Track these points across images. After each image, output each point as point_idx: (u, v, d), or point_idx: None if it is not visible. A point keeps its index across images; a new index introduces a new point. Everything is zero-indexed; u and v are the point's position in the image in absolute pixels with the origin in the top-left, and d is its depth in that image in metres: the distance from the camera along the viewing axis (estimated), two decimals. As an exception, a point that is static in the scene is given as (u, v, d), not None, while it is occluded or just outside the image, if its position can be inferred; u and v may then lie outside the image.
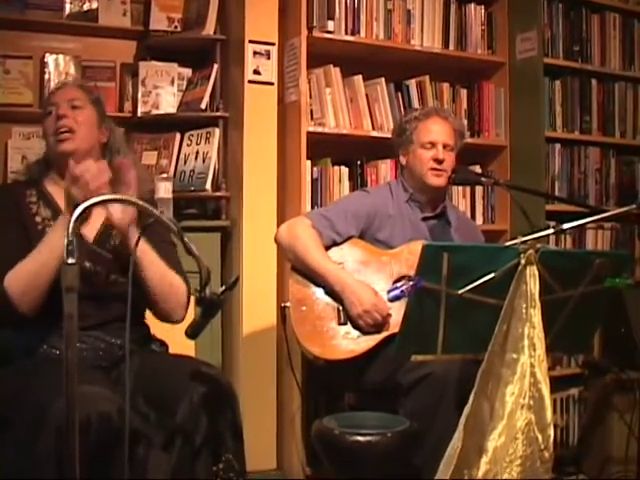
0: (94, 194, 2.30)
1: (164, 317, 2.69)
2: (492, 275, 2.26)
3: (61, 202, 2.60)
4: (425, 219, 3.44)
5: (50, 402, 2.13)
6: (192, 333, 2.25)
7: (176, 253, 2.75)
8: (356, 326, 3.14)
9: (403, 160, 3.51)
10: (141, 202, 2.11)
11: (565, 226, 2.71)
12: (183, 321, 2.64)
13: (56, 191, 2.64)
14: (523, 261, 2.25)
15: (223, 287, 2.22)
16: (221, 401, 2.44)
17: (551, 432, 2.28)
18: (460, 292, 2.28)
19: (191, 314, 2.51)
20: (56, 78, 3.84)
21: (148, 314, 2.77)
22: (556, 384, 4.00)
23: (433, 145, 3.40)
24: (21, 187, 2.68)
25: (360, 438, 2.68)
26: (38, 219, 2.59)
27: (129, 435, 2.14)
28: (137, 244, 2.30)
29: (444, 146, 3.40)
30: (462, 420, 2.26)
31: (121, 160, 2.64)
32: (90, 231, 2.62)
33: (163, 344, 2.82)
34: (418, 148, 3.43)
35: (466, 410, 2.27)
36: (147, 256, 2.53)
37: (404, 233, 3.34)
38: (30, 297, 2.40)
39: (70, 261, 1.81)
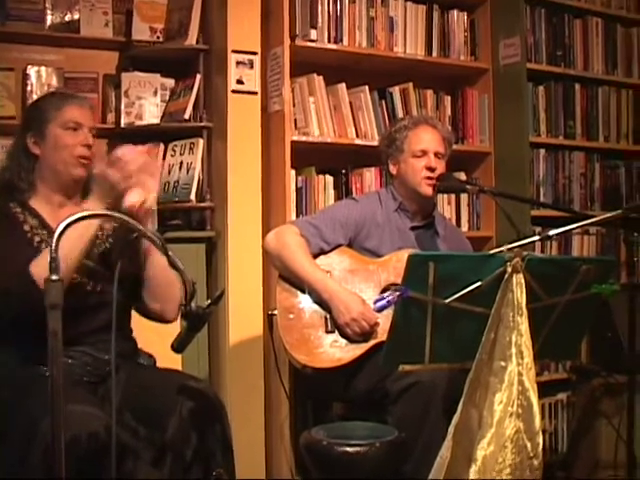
0: (131, 178, 2.37)
1: (158, 316, 2.71)
2: (479, 284, 2.26)
3: (46, 216, 2.59)
4: (413, 228, 3.45)
5: (40, 419, 2.12)
6: (178, 347, 2.25)
7: None
8: (344, 334, 3.14)
9: (393, 170, 3.50)
10: (125, 217, 2.09)
11: (551, 232, 2.70)
12: (176, 320, 2.65)
13: (40, 207, 2.62)
14: (509, 269, 2.25)
15: (209, 301, 2.21)
16: (210, 415, 2.45)
17: (540, 440, 2.27)
18: (447, 301, 2.27)
19: (177, 327, 2.50)
20: (38, 90, 3.81)
21: (136, 324, 2.76)
22: (544, 389, 4.01)
23: (425, 153, 3.40)
24: (3, 199, 2.62)
25: (349, 449, 2.67)
26: (27, 227, 2.56)
27: (118, 451, 2.13)
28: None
29: (435, 154, 3.41)
30: (451, 429, 2.25)
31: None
32: None
33: (150, 357, 2.81)
34: (410, 157, 3.42)
35: (454, 419, 2.26)
36: (155, 252, 2.52)
37: (392, 242, 3.34)
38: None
39: (54, 277, 1.80)
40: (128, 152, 2.40)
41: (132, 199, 2.47)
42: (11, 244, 2.48)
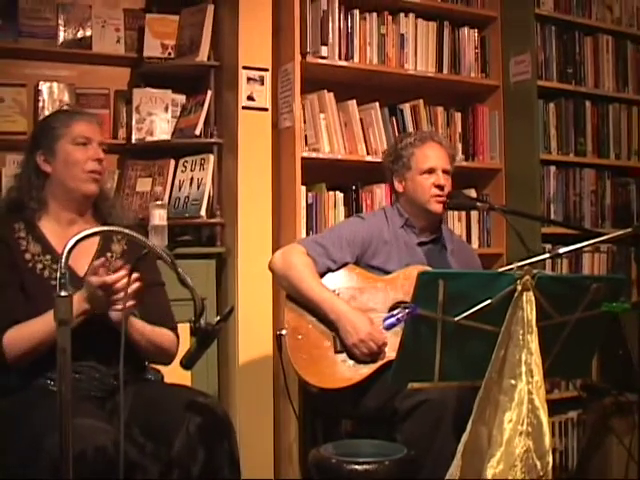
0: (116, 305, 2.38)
1: (156, 364, 2.81)
2: (489, 302, 2.25)
3: (52, 239, 2.60)
4: (421, 244, 3.43)
5: (46, 435, 2.12)
6: (187, 364, 2.24)
7: (165, 295, 2.82)
8: (352, 355, 3.12)
9: (399, 187, 3.48)
10: (135, 234, 2.09)
11: (561, 250, 2.68)
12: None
13: (49, 227, 2.63)
14: (519, 287, 2.24)
15: (218, 317, 2.20)
16: (218, 432, 2.43)
17: (550, 459, 2.25)
18: (456, 319, 2.26)
19: (186, 344, 2.50)
20: (50, 106, 3.83)
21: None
22: (554, 407, 3.99)
23: (433, 171, 3.39)
24: (8, 220, 2.64)
25: (357, 467, 2.64)
26: (28, 256, 2.57)
27: (125, 466, 2.13)
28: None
29: (443, 171, 3.40)
30: (460, 448, 2.24)
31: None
32: (81, 265, 2.60)
33: (158, 372, 2.81)
34: (417, 175, 3.41)
35: (464, 438, 2.25)
36: (134, 329, 2.56)
37: (400, 258, 3.33)
38: (28, 359, 2.43)
39: (63, 294, 1.79)
40: (117, 280, 2.39)
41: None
42: (5, 284, 2.51)
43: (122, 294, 2.33)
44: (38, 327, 2.37)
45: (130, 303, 2.38)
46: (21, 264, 2.55)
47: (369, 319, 3.14)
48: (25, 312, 2.44)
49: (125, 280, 2.33)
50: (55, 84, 3.91)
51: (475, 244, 4.51)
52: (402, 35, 4.32)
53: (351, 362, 3.11)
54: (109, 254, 2.68)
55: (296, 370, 3.13)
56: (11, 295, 2.49)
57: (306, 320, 3.19)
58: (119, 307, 2.36)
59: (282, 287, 3.36)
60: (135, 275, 2.33)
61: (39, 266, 2.54)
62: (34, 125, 3.76)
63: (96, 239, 2.69)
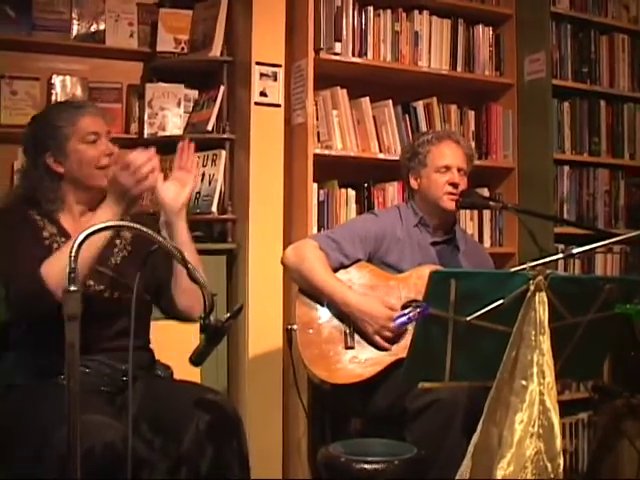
0: (144, 182, 2.38)
1: (187, 315, 2.69)
2: (501, 302, 2.23)
3: (67, 225, 2.58)
4: (434, 243, 3.42)
5: (54, 429, 2.11)
6: (196, 360, 2.23)
7: None
8: (370, 343, 3.12)
9: (414, 184, 3.48)
10: (146, 229, 2.08)
11: (575, 251, 2.67)
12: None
13: (63, 218, 2.61)
14: (532, 287, 2.22)
15: (228, 314, 2.19)
16: (227, 428, 2.43)
17: (561, 461, 2.24)
18: (468, 319, 2.25)
19: (196, 340, 2.49)
20: (63, 99, 3.83)
21: (155, 336, 2.77)
22: (565, 408, 3.96)
23: (448, 169, 3.39)
24: (23, 207, 2.61)
25: (367, 466, 2.63)
26: (46, 234, 2.55)
27: (134, 462, 2.12)
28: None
29: (458, 170, 3.39)
30: (470, 449, 2.23)
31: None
32: None
33: (168, 368, 2.80)
34: (432, 172, 3.41)
35: (474, 438, 2.23)
36: (187, 247, 2.53)
37: (413, 257, 3.32)
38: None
39: (72, 288, 1.78)
40: (139, 156, 2.38)
41: (168, 194, 2.59)
42: (26, 244, 2.46)
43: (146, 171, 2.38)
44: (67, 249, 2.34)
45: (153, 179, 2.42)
46: (40, 241, 2.53)
47: (380, 300, 3.15)
48: None
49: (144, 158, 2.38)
50: (68, 78, 3.92)
51: (487, 243, 4.50)
52: (416, 32, 4.31)
53: (362, 358, 3.11)
54: (118, 241, 2.66)
55: (306, 364, 3.13)
56: (31, 251, 2.45)
57: (317, 315, 3.19)
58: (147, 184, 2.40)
59: (294, 281, 3.36)
60: (152, 151, 2.43)
61: (55, 246, 2.51)
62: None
63: None
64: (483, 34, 4.54)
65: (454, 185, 3.37)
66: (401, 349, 3.04)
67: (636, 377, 3.66)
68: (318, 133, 4.06)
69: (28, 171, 2.67)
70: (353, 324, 3.15)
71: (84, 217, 2.63)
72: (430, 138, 3.48)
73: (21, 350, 2.55)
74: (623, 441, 3.64)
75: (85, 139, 2.60)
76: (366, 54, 4.14)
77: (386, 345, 3.11)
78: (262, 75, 3.89)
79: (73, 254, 1.82)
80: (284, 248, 3.59)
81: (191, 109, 4.11)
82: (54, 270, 2.30)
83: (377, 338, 3.11)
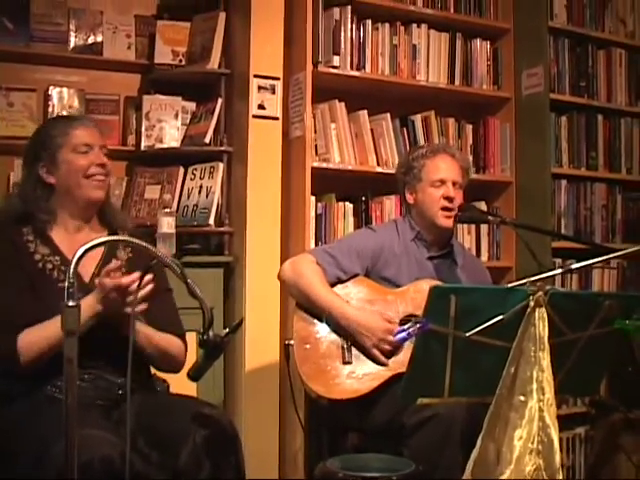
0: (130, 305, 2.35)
1: (163, 371, 2.76)
2: (500, 317, 2.22)
3: (60, 244, 2.58)
4: (431, 258, 3.41)
5: (51, 444, 2.10)
6: (195, 375, 2.22)
7: (172, 301, 2.79)
8: (368, 358, 3.10)
9: (410, 199, 3.47)
10: (145, 244, 2.07)
11: (574, 266, 2.66)
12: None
13: (57, 234, 2.61)
14: (532, 303, 2.21)
15: (226, 329, 2.18)
16: (224, 443, 2.42)
17: (560, 477, 2.23)
18: (468, 334, 2.24)
19: (194, 353, 2.48)
20: (60, 111, 3.83)
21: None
22: (562, 423, 3.93)
23: (443, 183, 3.37)
24: (14, 225, 2.62)
25: (364, 482, 2.62)
26: (37, 257, 2.55)
27: (131, 477, 2.12)
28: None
29: (453, 184, 3.38)
30: (469, 465, 2.21)
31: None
32: (86, 270, 2.59)
33: (164, 382, 2.79)
34: (428, 186, 3.39)
35: (473, 454, 2.22)
36: (141, 334, 2.54)
37: (410, 271, 3.31)
38: (39, 362, 2.40)
39: (71, 304, 1.77)
40: (131, 280, 2.38)
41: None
42: (10, 279, 2.49)
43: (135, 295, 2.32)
44: (51, 331, 2.33)
45: (142, 306, 2.38)
46: (31, 265, 2.53)
47: (378, 313, 3.13)
48: (36, 312, 2.42)
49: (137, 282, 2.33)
50: (65, 89, 3.91)
51: (484, 257, 4.49)
52: (414, 46, 4.32)
53: (359, 373, 3.09)
54: (114, 261, 2.66)
55: (303, 380, 3.10)
56: (16, 294, 2.46)
57: (315, 330, 3.17)
58: (135, 308, 2.34)
59: (292, 296, 3.34)
60: (149, 276, 2.33)
61: (49, 266, 2.52)
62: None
63: None
64: (481, 48, 4.55)
65: (449, 199, 3.36)
66: (398, 364, 3.02)
67: (633, 392, 3.66)
68: (316, 146, 4.06)
69: (23, 183, 2.69)
70: (351, 338, 3.13)
71: (81, 233, 2.62)
72: (425, 152, 3.47)
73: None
74: (620, 455, 3.63)
75: (77, 149, 2.60)
76: (364, 67, 4.15)
77: (383, 359, 3.09)
78: (260, 88, 3.89)
79: (72, 269, 1.81)
80: (281, 261, 3.59)
81: (189, 121, 4.10)
82: (32, 347, 2.37)
83: (375, 351, 3.09)
